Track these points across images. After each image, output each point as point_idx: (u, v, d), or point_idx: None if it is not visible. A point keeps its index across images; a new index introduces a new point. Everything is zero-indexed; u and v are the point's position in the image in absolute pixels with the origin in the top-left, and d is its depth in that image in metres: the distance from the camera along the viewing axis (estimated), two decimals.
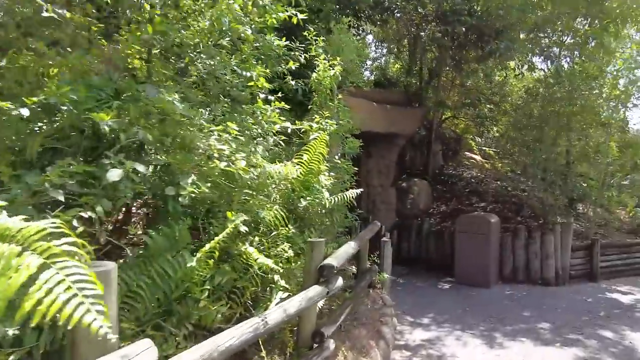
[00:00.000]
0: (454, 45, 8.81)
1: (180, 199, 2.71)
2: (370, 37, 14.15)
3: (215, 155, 3.15)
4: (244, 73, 4.34)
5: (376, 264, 6.47)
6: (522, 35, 9.05)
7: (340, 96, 6.67)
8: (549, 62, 10.10)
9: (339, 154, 5.85)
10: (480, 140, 16.70)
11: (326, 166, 4.96)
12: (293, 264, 3.63)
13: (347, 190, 5.22)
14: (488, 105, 11.93)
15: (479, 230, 8.06)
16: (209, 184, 2.97)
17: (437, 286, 8.23)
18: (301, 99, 6.12)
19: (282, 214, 3.78)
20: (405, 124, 9.74)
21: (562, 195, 9.77)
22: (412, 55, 11.99)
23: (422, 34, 8.69)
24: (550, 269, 8.22)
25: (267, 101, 4.59)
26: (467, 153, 16.14)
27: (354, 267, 6.43)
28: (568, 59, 10.10)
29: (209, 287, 2.83)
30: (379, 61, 15.19)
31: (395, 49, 13.80)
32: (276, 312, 2.73)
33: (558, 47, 9.55)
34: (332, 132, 5.51)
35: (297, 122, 4.94)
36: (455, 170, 14.02)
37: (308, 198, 3.99)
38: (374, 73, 14.28)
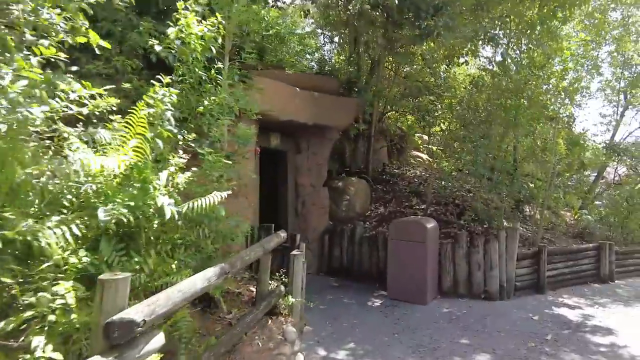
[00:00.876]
0: (387, 21, 7.67)
1: None
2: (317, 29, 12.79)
3: None
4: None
5: (284, 284, 5.17)
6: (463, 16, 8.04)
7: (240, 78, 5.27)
8: (494, 49, 9.18)
9: (209, 142, 4.45)
10: (426, 137, 15.86)
11: (181, 158, 3.56)
12: (75, 316, 2.21)
13: (230, 190, 3.86)
14: (430, 97, 10.92)
15: (414, 238, 6.94)
16: None
17: (366, 303, 7.03)
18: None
19: (73, 231, 2.35)
20: (338, 116, 8.49)
21: (508, 197, 8.90)
22: (352, 43, 10.79)
23: (350, 8, 7.45)
24: (494, 281, 7.24)
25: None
26: (413, 151, 15.28)
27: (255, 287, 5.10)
28: (514, 48, 9.23)
29: None
30: (325, 51, 13.89)
31: (337, 37, 12.58)
32: None
33: (503, 30, 8.64)
34: (200, 111, 4.10)
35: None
36: (399, 169, 13.04)
37: (115, 204, 2.55)
38: (314, 63, 12.96)
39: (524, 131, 9.21)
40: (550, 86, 8.87)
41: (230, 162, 4.48)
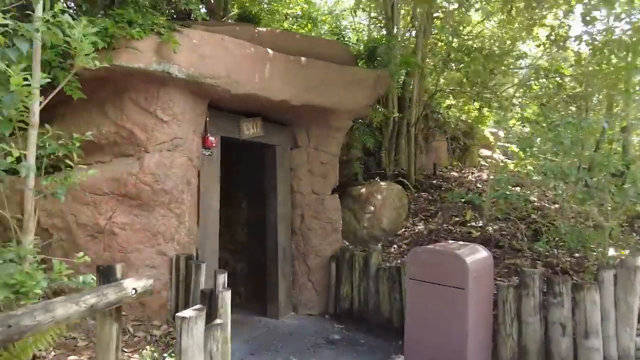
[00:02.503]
0: None
1: None
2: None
3: None
4: None
5: None
6: None
7: None
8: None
9: None
10: (502, 133, 12.47)
11: None
12: None
13: None
14: (490, 69, 7.77)
15: (448, 279, 4.18)
16: None
17: None
18: None
19: None
20: (347, 95, 5.98)
21: (616, 211, 5.62)
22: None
23: None
24: (593, 356, 4.17)
25: None
26: (482, 150, 12.05)
27: None
28: None
29: None
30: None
31: None
32: None
33: None
34: None
35: None
36: (461, 172, 10.04)
37: None
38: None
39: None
40: None
41: None
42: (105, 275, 2.59)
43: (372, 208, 7.05)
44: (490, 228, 6.25)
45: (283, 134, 6.31)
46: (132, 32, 3.87)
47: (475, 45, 7.68)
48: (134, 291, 2.58)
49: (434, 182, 8.71)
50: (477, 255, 4.36)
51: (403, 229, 7.09)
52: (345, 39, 8.08)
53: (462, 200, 6.12)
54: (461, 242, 4.89)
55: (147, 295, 2.75)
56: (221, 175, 6.55)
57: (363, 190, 7.34)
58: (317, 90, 5.61)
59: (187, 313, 2.87)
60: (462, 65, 7.38)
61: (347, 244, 6.87)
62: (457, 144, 11.00)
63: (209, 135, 5.02)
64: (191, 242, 4.56)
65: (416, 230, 6.92)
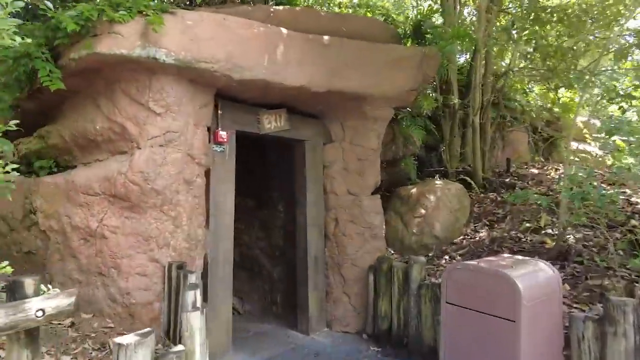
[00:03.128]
0: None
1: None
2: None
3: None
4: None
5: None
6: None
7: None
8: None
9: None
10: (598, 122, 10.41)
11: None
12: None
13: None
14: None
15: (493, 307, 3.15)
16: None
17: None
18: None
19: None
20: (385, 77, 5.11)
21: None
22: None
23: None
24: None
25: None
26: (574, 144, 10.16)
27: None
28: None
29: None
30: None
31: None
32: None
33: None
34: None
35: None
36: (542, 168, 8.49)
37: None
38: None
39: None
40: None
41: None
42: (12, 290, 2.13)
43: (422, 211, 6.05)
44: (571, 237, 4.92)
45: (314, 128, 5.62)
46: (113, 15, 3.47)
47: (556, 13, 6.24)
48: (40, 313, 2.08)
49: (507, 180, 7.37)
50: (536, 275, 3.25)
51: (461, 237, 5.98)
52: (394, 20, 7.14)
53: (538, 202, 4.83)
54: (519, 257, 3.76)
55: (64, 317, 2.25)
56: (255, 176, 6.07)
57: (413, 190, 6.37)
58: (345, 73, 4.82)
59: (126, 339, 2.32)
60: (534, 38, 6.00)
61: (392, 252, 5.97)
62: (539, 136, 9.37)
63: (219, 129, 4.52)
64: (192, 248, 4.07)
65: (477, 238, 5.77)
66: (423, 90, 5.78)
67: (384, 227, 5.96)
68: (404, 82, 5.32)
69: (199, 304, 3.03)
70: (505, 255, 3.95)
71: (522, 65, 7.53)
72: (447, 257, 5.42)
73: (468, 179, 7.01)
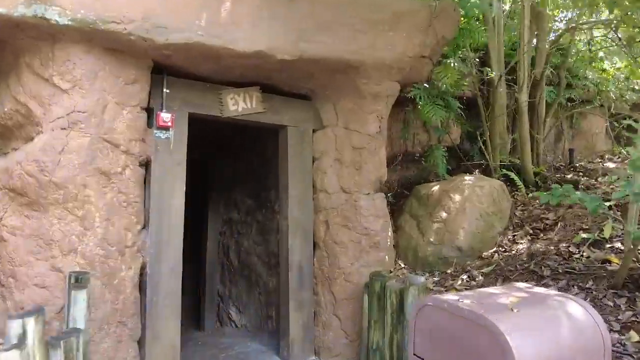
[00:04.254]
0: None
1: None
2: None
3: None
4: None
5: None
6: None
7: None
8: None
9: None
10: None
11: None
12: None
13: None
14: None
15: None
16: None
17: None
18: None
19: None
20: (375, 39, 3.93)
21: None
22: None
23: None
24: None
25: None
26: None
27: None
28: None
29: None
30: None
31: None
32: None
33: None
34: None
35: None
36: (623, 162, 6.62)
37: None
38: None
39: None
40: None
41: None
42: None
43: (444, 214, 4.76)
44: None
45: (300, 111, 4.60)
46: None
47: None
48: None
49: (568, 176, 5.73)
50: (554, 325, 1.94)
51: (494, 248, 4.58)
52: None
53: (584, 203, 3.34)
54: (538, 290, 2.42)
55: None
56: (256, 173, 5.29)
57: (435, 188, 5.08)
58: (321, 35, 3.76)
59: None
60: None
61: (402, 266, 4.76)
62: (621, 123, 7.40)
63: (161, 111, 3.71)
64: (111, 256, 3.28)
65: (513, 252, 4.35)
66: (434, 57, 4.48)
67: (393, 233, 4.77)
68: (407, 46, 4.09)
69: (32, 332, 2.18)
70: (520, 284, 2.60)
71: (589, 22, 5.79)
72: (466, 276, 4.09)
73: (513, 174, 5.51)
